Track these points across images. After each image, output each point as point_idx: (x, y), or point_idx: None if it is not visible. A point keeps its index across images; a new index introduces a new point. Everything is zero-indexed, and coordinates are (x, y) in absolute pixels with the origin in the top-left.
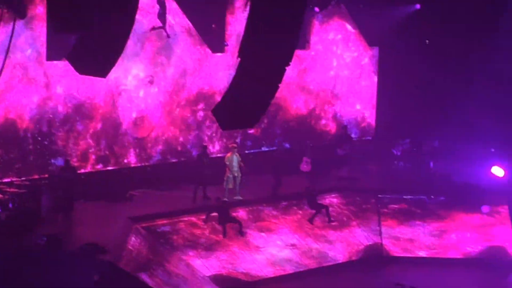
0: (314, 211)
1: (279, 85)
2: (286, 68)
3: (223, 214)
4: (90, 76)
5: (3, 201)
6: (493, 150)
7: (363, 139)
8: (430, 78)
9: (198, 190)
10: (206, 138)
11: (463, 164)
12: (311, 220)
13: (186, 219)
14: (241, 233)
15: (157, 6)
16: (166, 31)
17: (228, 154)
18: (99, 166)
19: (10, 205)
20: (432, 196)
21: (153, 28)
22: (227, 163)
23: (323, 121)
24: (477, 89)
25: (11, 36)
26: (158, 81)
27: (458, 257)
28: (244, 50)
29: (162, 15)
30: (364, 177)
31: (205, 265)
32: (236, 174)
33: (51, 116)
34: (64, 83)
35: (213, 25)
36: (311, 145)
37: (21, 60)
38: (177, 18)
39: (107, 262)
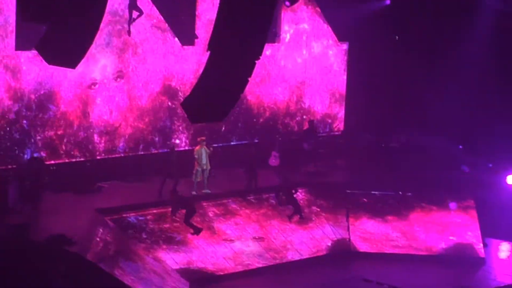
0: (287, 206)
1: (249, 79)
2: (256, 62)
3: (190, 210)
4: (60, 66)
5: None
6: (461, 147)
7: (332, 134)
8: (399, 73)
9: (165, 184)
10: (174, 131)
11: (431, 159)
12: (290, 217)
13: (154, 211)
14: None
15: None
16: (129, 27)
17: (197, 147)
18: (67, 158)
19: None
20: (400, 192)
21: (128, 32)
22: (196, 156)
23: (291, 116)
24: (445, 85)
25: None
26: (127, 74)
27: (425, 253)
28: (214, 43)
29: (131, 7)
30: (332, 172)
31: (173, 258)
32: (204, 168)
33: (19, 105)
34: (34, 73)
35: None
36: (279, 139)
37: None
38: (146, 9)
39: (74, 254)
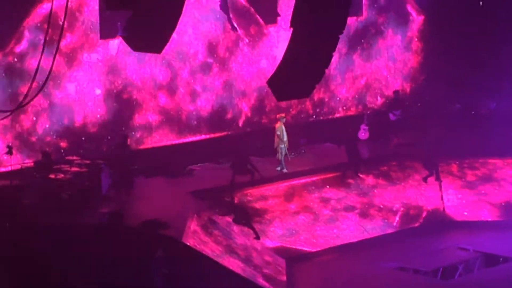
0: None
1: (333, 53)
2: (340, 36)
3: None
4: (145, 52)
5: (65, 180)
6: None
7: (418, 105)
8: (480, 41)
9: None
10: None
11: None
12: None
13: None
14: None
15: None
16: (231, 24)
17: (277, 124)
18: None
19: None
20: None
21: (233, 28)
22: (278, 133)
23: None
24: None
25: (65, 17)
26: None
27: None
28: (296, 19)
29: (224, 6)
30: (422, 143)
31: (267, 237)
32: (285, 145)
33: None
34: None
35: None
36: (368, 112)
37: None
38: None
39: (170, 238)
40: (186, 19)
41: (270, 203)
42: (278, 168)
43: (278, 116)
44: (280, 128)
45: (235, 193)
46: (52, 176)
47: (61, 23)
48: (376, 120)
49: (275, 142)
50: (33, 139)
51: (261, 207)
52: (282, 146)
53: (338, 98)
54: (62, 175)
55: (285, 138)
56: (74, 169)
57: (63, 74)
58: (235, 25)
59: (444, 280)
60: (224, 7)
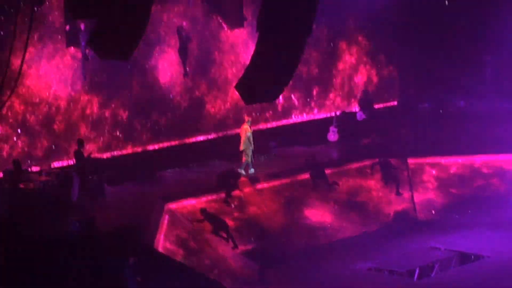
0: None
1: (301, 55)
2: (307, 38)
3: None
4: (113, 60)
5: (35, 189)
6: None
7: (388, 105)
8: (448, 40)
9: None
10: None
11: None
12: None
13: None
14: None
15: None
16: (185, 69)
17: (244, 127)
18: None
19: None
20: None
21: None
22: (249, 135)
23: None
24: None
25: (30, 25)
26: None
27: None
28: (263, 22)
29: (182, 50)
30: (392, 142)
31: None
32: (251, 147)
33: None
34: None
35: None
36: (337, 113)
37: None
38: None
39: (142, 244)
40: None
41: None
42: (251, 171)
43: (246, 118)
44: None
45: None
46: (22, 186)
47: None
48: (345, 121)
49: (241, 144)
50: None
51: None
52: (250, 148)
53: (307, 100)
54: (32, 185)
55: (251, 140)
56: (44, 178)
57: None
58: (187, 69)
59: (420, 280)
60: (182, 51)
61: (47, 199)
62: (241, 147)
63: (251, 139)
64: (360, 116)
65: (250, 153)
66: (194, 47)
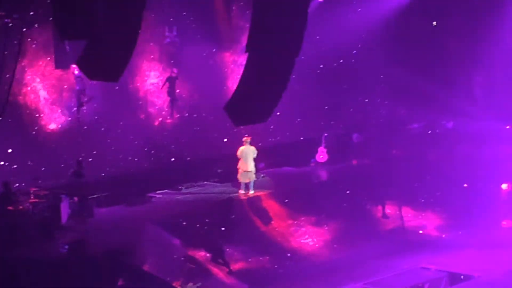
0: None
1: (290, 76)
2: (295, 59)
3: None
4: (102, 81)
5: (24, 211)
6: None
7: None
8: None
9: None
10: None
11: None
12: None
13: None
14: None
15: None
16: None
17: (242, 147)
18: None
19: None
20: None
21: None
22: (239, 155)
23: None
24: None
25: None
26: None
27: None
28: (251, 44)
29: (171, 91)
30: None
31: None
32: (250, 169)
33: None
34: None
35: None
36: (325, 134)
37: None
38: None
39: (131, 266)
40: None
41: None
42: (252, 192)
43: (244, 138)
44: (242, 151)
45: None
46: (11, 207)
47: None
48: (334, 142)
49: (251, 164)
50: None
51: None
52: (243, 170)
53: (298, 120)
54: (21, 206)
55: (249, 162)
56: (33, 200)
57: None
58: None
59: None
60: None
61: (36, 221)
62: (252, 167)
63: (247, 160)
64: (356, 138)
65: (242, 175)
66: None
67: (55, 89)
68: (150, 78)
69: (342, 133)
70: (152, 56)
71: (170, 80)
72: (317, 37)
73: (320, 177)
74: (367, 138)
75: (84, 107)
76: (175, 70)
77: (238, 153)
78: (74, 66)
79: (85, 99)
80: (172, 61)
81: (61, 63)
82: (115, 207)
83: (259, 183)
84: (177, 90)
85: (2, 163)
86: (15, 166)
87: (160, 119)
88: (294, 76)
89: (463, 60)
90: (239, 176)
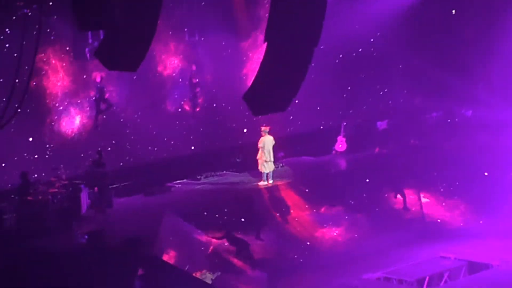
0: None
1: (309, 66)
2: (314, 48)
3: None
4: (120, 71)
5: (43, 201)
6: None
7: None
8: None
9: None
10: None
11: None
12: None
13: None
14: None
15: None
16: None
17: (262, 137)
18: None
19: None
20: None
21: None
22: (260, 145)
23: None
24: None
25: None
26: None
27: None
28: (270, 33)
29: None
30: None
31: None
32: (270, 159)
33: None
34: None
35: None
36: (344, 123)
37: None
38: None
39: (151, 256)
40: None
41: None
42: (271, 181)
43: (262, 128)
44: (263, 141)
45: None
46: (30, 198)
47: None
48: (354, 130)
49: (266, 155)
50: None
51: None
52: (264, 159)
53: (318, 108)
54: (40, 197)
55: (267, 151)
56: (52, 190)
57: None
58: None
59: None
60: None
61: (55, 211)
62: (271, 157)
63: (267, 149)
64: (381, 125)
65: (264, 164)
66: None
67: (73, 80)
68: (169, 68)
69: (360, 122)
70: (170, 46)
71: (190, 74)
72: (336, 26)
73: (340, 166)
74: (390, 125)
75: (104, 116)
76: (193, 66)
77: (260, 143)
78: (95, 73)
79: (104, 107)
80: (190, 51)
81: (80, 54)
82: (134, 197)
83: (278, 173)
84: (196, 80)
85: (22, 154)
86: (36, 156)
87: (179, 109)
88: (313, 65)
89: (481, 49)
90: (260, 166)
